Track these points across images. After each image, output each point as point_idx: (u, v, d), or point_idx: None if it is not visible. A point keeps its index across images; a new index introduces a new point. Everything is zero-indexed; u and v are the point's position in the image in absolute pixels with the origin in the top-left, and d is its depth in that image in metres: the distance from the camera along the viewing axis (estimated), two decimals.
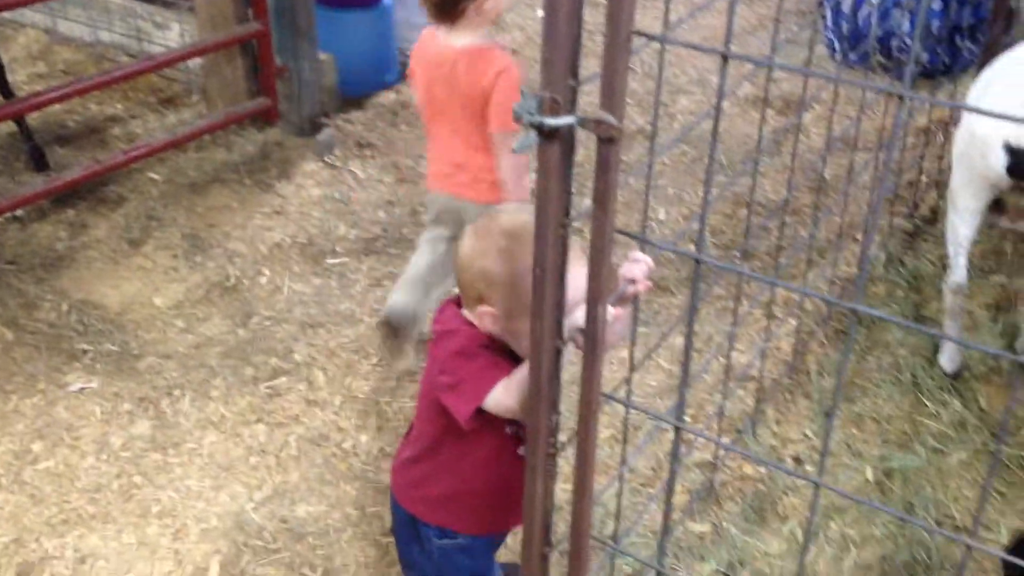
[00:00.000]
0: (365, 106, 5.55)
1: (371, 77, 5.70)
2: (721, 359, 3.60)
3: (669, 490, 1.86)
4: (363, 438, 3.34)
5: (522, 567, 2.07)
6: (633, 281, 2.02)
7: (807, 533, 1.73)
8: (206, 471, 3.24)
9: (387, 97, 5.68)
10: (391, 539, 2.97)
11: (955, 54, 5.58)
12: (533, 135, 1.62)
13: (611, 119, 1.59)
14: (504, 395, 2.03)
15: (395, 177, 4.88)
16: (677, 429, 1.84)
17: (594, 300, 1.74)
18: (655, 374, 3.63)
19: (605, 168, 1.64)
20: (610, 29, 1.53)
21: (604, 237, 1.68)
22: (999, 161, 3.19)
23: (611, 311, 1.98)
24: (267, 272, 4.13)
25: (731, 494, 3.13)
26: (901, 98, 1.40)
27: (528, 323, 1.72)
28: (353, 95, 5.56)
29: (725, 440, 3.27)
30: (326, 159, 4.92)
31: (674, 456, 1.86)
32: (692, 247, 4.21)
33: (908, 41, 5.54)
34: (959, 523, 3.06)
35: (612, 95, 1.59)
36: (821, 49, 6.10)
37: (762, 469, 3.20)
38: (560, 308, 1.78)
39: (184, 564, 2.93)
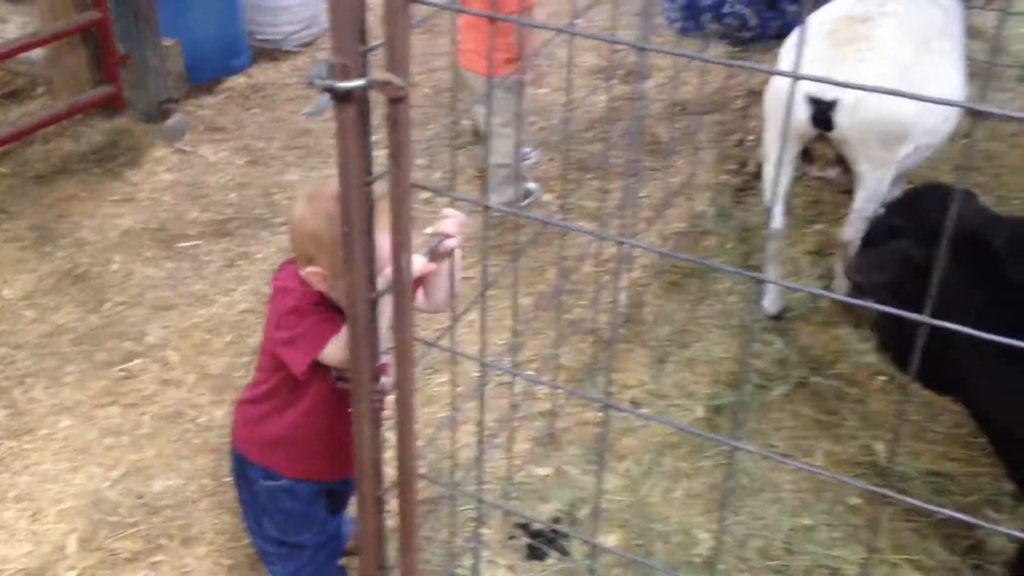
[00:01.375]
0: (215, 91, 5.57)
1: (220, 62, 5.72)
2: (564, 315, 3.81)
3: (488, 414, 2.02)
4: (218, 413, 3.42)
5: (357, 511, 2.21)
6: (447, 236, 2.17)
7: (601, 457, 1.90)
8: (61, 455, 3.28)
9: (237, 81, 5.72)
10: None
11: (782, 17, 5.89)
12: (327, 98, 1.75)
13: (397, 80, 1.73)
14: (337, 348, 2.18)
15: (247, 159, 4.94)
16: (483, 365, 2.00)
17: (398, 250, 1.88)
18: (502, 333, 3.78)
19: (395, 126, 1.78)
20: None
21: (401, 190, 1.83)
22: (803, 112, 3.44)
23: (422, 262, 2.14)
24: (118, 259, 4.16)
25: (572, 439, 3.33)
26: (641, 49, 1.58)
27: None
28: (203, 80, 5.57)
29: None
30: (176, 144, 4.94)
31: (482, 385, 2.01)
32: (535, 210, 4.39)
33: (737, 8, 5.83)
34: (781, 451, 3.31)
35: (395, 58, 1.73)
36: (663, 20, 6.35)
37: (600, 414, 3.40)
38: (371, 261, 1.92)
39: (42, 544, 2.97)
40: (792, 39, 3.82)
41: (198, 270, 4.13)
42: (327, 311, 2.26)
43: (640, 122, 3.56)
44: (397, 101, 1.76)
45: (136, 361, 3.62)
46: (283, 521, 2.46)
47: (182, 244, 4.28)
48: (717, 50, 5.89)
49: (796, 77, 1.41)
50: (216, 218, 4.47)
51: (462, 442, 3.13)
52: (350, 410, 2.38)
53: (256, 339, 3.74)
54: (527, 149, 4.85)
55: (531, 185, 4.56)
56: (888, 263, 2.53)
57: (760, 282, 1.48)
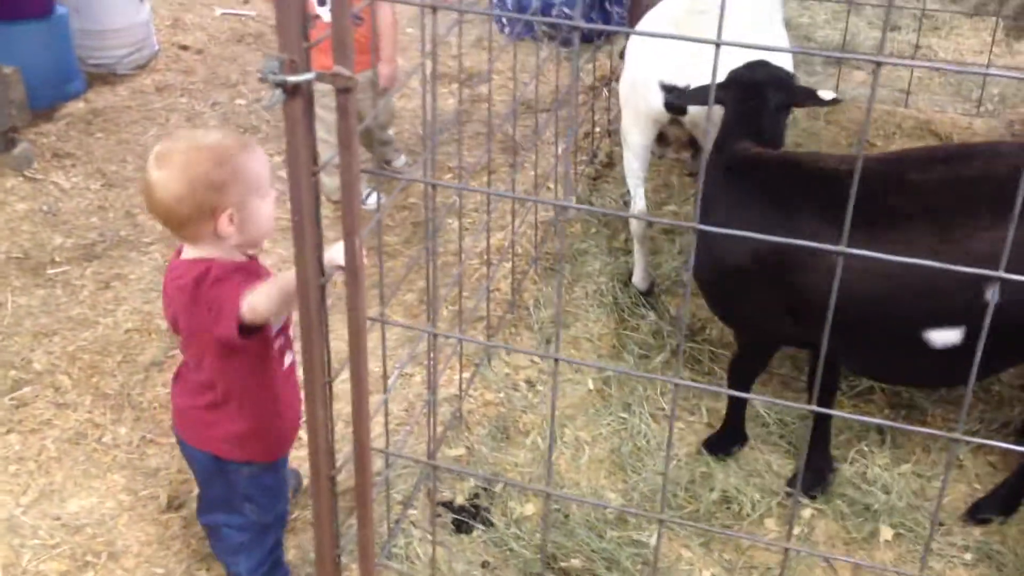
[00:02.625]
0: (54, 117, 5.46)
1: (55, 88, 5.62)
2: (451, 306, 3.96)
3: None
4: (122, 430, 3.40)
5: (312, 494, 2.31)
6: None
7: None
8: None
9: (76, 107, 5.61)
10: (170, 515, 3.10)
11: (608, 18, 6.24)
12: (279, 93, 1.86)
13: (345, 71, 1.86)
14: (262, 297, 2.23)
15: (102, 183, 4.86)
16: (434, 336, 2.15)
17: (350, 233, 2.01)
18: (394, 331, 3.91)
19: (345, 114, 1.91)
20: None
21: (352, 174, 1.96)
22: (657, 99, 3.72)
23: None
24: None
25: (478, 420, 3.48)
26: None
27: (259, 198, 1.95)
28: (40, 107, 5.45)
29: (466, 375, 3.62)
30: (26, 173, 4.83)
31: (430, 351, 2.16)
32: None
33: (566, 11, 6.13)
34: (668, 412, 3.57)
35: (343, 51, 1.87)
36: (494, 26, 6.59)
37: (502, 394, 3.58)
38: (319, 247, 2.04)
39: None
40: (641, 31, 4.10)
41: (73, 295, 4.06)
42: (245, 274, 2.32)
43: (576, 106, 3.76)
44: (346, 91, 1.89)
45: (26, 388, 3.55)
46: (265, 498, 2.56)
47: (51, 271, 4.20)
48: (550, 52, 6.17)
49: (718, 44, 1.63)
50: (81, 243, 4.40)
51: (377, 431, 3.23)
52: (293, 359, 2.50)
53: (146, 356, 3.74)
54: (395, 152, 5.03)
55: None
56: (693, 96, 3.48)
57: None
